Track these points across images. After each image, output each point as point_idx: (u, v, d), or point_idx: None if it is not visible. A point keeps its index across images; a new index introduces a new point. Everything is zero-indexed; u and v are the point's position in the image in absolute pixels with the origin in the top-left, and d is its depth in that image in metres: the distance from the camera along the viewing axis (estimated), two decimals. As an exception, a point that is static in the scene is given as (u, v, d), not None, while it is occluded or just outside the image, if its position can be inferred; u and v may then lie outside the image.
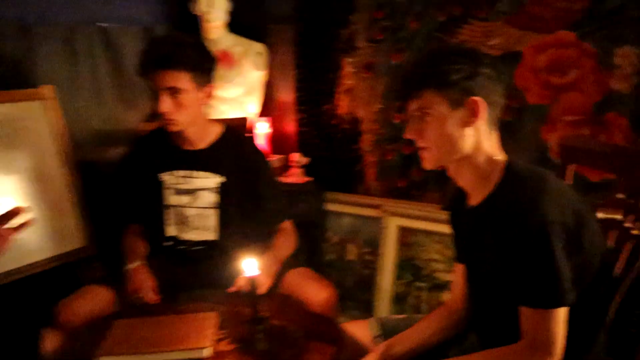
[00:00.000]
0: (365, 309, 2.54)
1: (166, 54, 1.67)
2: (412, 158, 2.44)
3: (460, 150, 1.19)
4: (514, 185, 1.15)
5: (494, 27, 2.13)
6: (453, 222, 1.43)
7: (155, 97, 1.72)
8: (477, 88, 1.15)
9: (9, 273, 2.04)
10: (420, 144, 1.22)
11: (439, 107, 1.16)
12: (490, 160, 1.20)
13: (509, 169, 1.19)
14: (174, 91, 1.69)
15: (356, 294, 2.61)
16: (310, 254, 2.60)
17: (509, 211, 1.12)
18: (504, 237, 1.14)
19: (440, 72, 1.16)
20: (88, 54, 2.44)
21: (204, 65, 1.75)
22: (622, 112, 1.92)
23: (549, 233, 1.06)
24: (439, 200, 2.40)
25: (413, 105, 1.20)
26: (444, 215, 2.23)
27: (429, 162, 1.24)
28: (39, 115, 2.18)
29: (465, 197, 1.30)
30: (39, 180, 2.16)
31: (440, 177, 2.27)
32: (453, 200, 1.39)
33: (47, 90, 2.20)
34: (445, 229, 2.21)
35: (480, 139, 1.19)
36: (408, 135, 1.23)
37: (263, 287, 1.60)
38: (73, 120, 2.34)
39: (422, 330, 1.41)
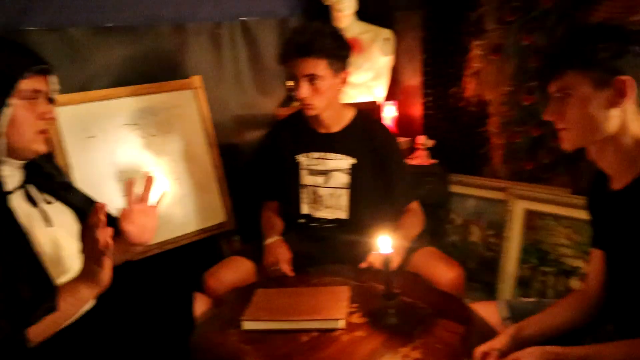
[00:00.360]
0: (488, 291, 2.54)
1: (306, 43, 1.78)
2: (541, 140, 2.38)
3: (603, 132, 1.15)
4: None
5: (638, 1, 1.99)
6: (591, 206, 1.38)
7: (294, 83, 1.85)
8: (626, 67, 1.11)
9: (163, 243, 2.31)
10: (560, 125, 1.20)
11: (582, 87, 1.14)
12: (638, 143, 1.15)
13: None
14: (312, 78, 1.80)
15: (479, 276, 2.61)
16: (434, 235, 2.64)
17: None
18: None
19: (585, 51, 1.13)
20: (230, 46, 2.65)
21: (340, 52, 1.85)
22: None
23: None
24: (569, 184, 2.33)
25: (554, 87, 1.19)
26: (574, 199, 2.20)
27: (568, 143, 1.21)
28: (189, 103, 2.43)
29: (606, 180, 1.25)
30: (188, 161, 2.41)
31: (571, 160, 2.23)
32: (591, 183, 1.35)
33: (196, 80, 2.44)
34: (575, 213, 2.20)
35: (627, 119, 1.14)
36: (547, 116, 1.22)
37: (393, 265, 1.68)
38: (216, 106, 2.56)
39: (555, 315, 1.38)
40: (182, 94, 2.42)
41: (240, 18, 2.66)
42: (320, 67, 1.80)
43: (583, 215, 2.16)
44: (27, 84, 1.27)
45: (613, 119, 1.14)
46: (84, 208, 1.49)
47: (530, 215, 2.39)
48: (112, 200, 2.18)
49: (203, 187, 2.46)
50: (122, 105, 2.26)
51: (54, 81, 1.36)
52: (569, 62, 1.15)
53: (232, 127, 2.70)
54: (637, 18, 2.00)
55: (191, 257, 2.42)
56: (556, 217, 2.31)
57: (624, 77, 1.11)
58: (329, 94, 1.86)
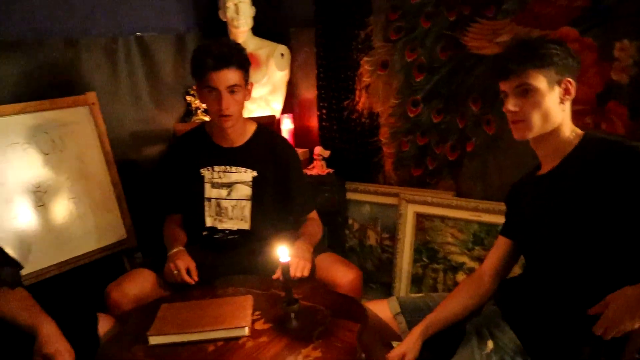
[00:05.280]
0: (386, 291, 2.71)
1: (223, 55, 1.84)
2: (426, 148, 2.59)
3: (552, 124, 1.35)
4: (593, 144, 1.32)
5: (502, 25, 2.23)
6: (510, 198, 1.58)
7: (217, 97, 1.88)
8: (568, 70, 1.33)
9: (61, 264, 2.26)
10: (517, 117, 1.37)
11: (539, 84, 1.33)
12: (571, 134, 1.37)
13: (586, 137, 1.36)
14: (233, 88, 1.86)
15: (377, 277, 2.78)
16: (334, 240, 2.77)
17: (593, 161, 1.29)
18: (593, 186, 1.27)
19: (543, 53, 1.32)
20: (126, 61, 2.63)
21: (248, 65, 1.93)
22: (622, 101, 2.02)
23: None
24: (453, 187, 2.56)
25: (514, 83, 1.36)
26: (458, 201, 2.42)
27: (523, 132, 1.38)
28: (84, 119, 2.38)
29: (534, 171, 1.48)
30: (85, 179, 2.37)
31: (454, 165, 2.44)
32: (521, 177, 1.55)
33: (90, 96, 2.40)
34: (459, 214, 2.42)
35: (566, 115, 1.36)
36: (510, 107, 1.37)
37: (305, 271, 1.78)
38: (113, 122, 2.54)
39: (454, 304, 1.55)
40: (76, 110, 2.36)
41: (137, 33, 2.65)
42: (238, 77, 1.87)
43: (466, 215, 2.42)
44: None
45: (560, 113, 1.35)
46: None
47: (420, 217, 2.58)
48: (2, 224, 2.10)
49: (102, 205, 2.42)
50: (11, 123, 2.17)
51: None
52: (530, 61, 1.33)
53: (129, 143, 2.67)
54: (501, 39, 2.23)
55: (94, 276, 2.36)
56: (442, 218, 2.52)
57: (570, 78, 1.33)
58: (242, 106, 1.94)
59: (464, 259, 2.46)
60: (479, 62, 2.33)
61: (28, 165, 2.20)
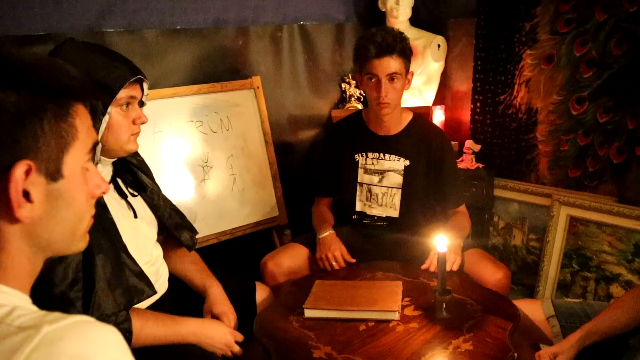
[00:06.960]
0: (528, 293, 2.60)
1: (386, 43, 1.86)
2: (588, 149, 2.43)
3: None
4: None
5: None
6: None
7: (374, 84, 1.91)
8: None
9: (220, 234, 2.46)
10: None
11: None
12: None
13: None
14: (394, 76, 1.89)
15: (519, 278, 2.68)
16: (477, 237, 2.72)
17: None
18: None
19: None
20: (289, 48, 2.77)
21: (409, 54, 1.95)
22: None
23: None
24: (615, 192, 2.38)
25: None
26: (619, 207, 2.25)
27: None
28: (248, 102, 2.56)
29: None
30: (246, 157, 2.55)
31: (618, 168, 2.27)
32: None
33: (256, 80, 2.57)
34: (619, 221, 2.25)
35: None
36: None
37: (455, 265, 1.80)
38: (273, 106, 2.70)
39: (617, 318, 1.45)
40: (243, 93, 2.55)
41: (300, 22, 2.78)
42: (399, 66, 1.89)
43: (628, 224, 2.25)
44: (124, 93, 1.35)
45: None
46: (158, 203, 1.63)
47: (573, 221, 2.44)
48: (173, 191, 2.34)
49: (258, 182, 2.59)
50: (187, 103, 2.40)
51: (145, 87, 1.46)
52: None
53: (287, 126, 2.82)
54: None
55: (246, 248, 2.55)
56: (599, 225, 2.36)
57: None
58: (401, 94, 1.96)
59: (620, 270, 2.29)
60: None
61: (199, 142, 2.43)
